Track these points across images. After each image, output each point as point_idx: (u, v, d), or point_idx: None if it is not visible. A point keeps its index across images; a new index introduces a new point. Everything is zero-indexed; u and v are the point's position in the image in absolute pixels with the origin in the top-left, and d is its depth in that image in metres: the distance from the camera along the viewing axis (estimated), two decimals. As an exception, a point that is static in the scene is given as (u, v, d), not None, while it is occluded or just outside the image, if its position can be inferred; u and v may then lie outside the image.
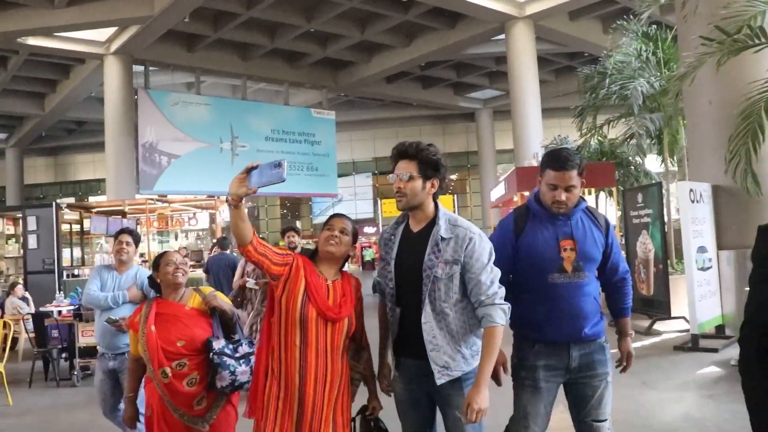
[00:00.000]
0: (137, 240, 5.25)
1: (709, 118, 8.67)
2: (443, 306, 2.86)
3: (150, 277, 3.77)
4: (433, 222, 2.95)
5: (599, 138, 13.95)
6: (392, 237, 3.08)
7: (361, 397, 3.16)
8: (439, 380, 2.85)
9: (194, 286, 3.82)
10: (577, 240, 3.13)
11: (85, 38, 20.71)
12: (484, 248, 2.89)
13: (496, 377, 3.12)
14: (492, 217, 24.80)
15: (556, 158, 3.12)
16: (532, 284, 3.15)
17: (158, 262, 3.69)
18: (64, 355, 8.43)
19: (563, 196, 3.07)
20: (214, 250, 11.12)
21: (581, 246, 3.13)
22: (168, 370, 3.35)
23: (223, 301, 3.65)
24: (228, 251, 10.18)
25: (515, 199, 13.57)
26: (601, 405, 3.17)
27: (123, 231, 5.26)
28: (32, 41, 19.96)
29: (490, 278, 2.86)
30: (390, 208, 33.57)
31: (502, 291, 2.90)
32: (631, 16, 12.14)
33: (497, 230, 3.38)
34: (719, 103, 8.46)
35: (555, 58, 26.56)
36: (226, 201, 2.83)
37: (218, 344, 3.43)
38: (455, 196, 31.98)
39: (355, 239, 3.10)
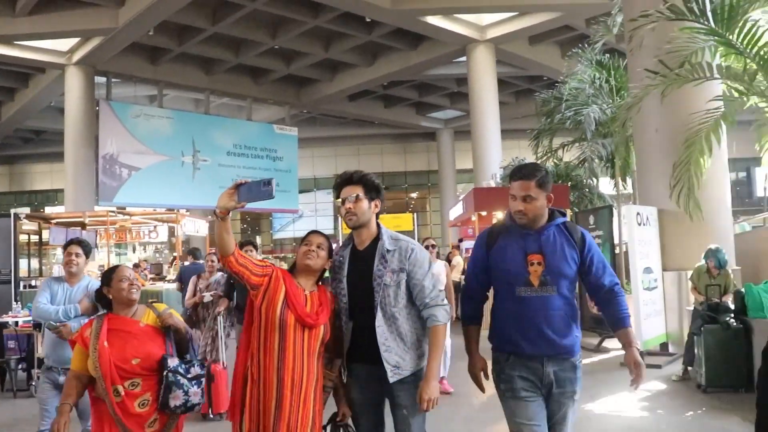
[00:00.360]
0: (87, 251, 5.02)
1: (656, 145, 9.11)
2: (393, 311, 3.21)
3: (98, 291, 3.59)
4: (377, 239, 3.33)
5: (555, 161, 14.37)
6: (341, 258, 3.39)
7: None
8: (392, 378, 3.16)
9: (147, 302, 3.69)
10: (546, 255, 3.17)
11: (47, 48, 20.63)
12: (424, 257, 3.29)
13: (477, 383, 3.38)
14: (450, 235, 25.19)
15: (517, 169, 3.27)
16: (504, 297, 3.27)
17: (110, 276, 3.53)
18: (21, 365, 8.42)
19: (521, 206, 3.17)
20: (188, 259, 11.26)
21: (549, 260, 3.15)
22: (121, 388, 3.23)
23: (178, 319, 3.56)
24: (200, 261, 10.32)
25: (473, 218, 13.89)
26: (565, 422, 3.22)
27: (72, 242, 5.00)
28: (-8, 49, 19.81)
29: (432, 282, 3.25)
30: (350, 225, 33.72)
31: (443, 294, 3.32)
32: (587, 44, 12.58)
33: (474, 244, 3.54)
34: (665, 132, 8.90)
35: (515, 80, 27.18)
36: (214, 213, 3.08)
37: (173, 362, 3.36)
38: (415, 214, 32.31)
39: (330, 254, 3.37)
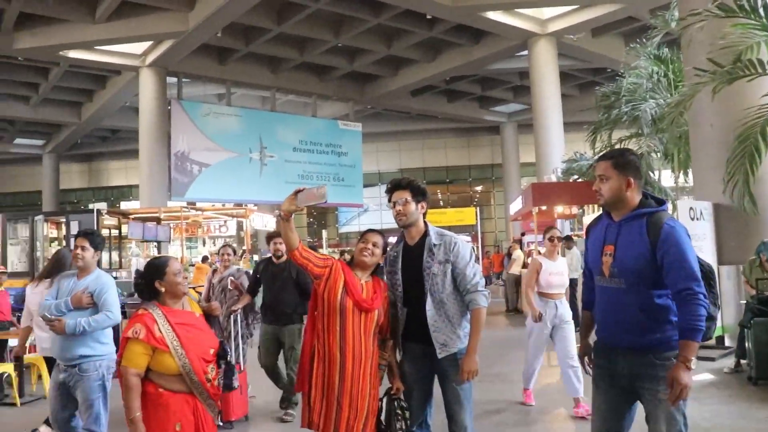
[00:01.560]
0: (96, 244, 4.68)
1: (711, 140, 9.13)
2: (441, 296, 3.75)
3: (143, 284, 3.47)
4: (425, 235, 3.86)
5: (614, 155, 14.35)
6: (396, 253, 3.95)
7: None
8: (440, 354, 3.71)
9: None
10: (618, 246, 3.15)
11: (123, 51, 21.60)
12: (466, 249, 3.80)
13: (581, 366, 3.64)
14: (512, 229, 25.23)
15: (602, 153, 3.54)
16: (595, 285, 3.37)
17: (163, 270, 3.42)
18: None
19: (596, 185, 3.24)
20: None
21: (618, 253, 3.14)
22: (210, 375, 3.37)
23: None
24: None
25: (534, 213, 14.00)
26: (658, 423, 3.08)
27: (80, 234, 4.75)
28: (73, 54, 20.94)
29: (473, 272, 3.77)
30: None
31: (483, 281, 3.85)
32: (645, 39, 12.54)
33: None
34: (720, 127, 8.92)
35: (578, 73, 26.96)
36: (278, 215, 3.69)
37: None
38: (479, 208, 32.38)
39: (384, 251, 3.90)
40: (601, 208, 3.39)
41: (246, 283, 7.02)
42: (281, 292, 6.46)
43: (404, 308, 3.85)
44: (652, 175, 13.95)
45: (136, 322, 3.29)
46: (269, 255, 6.85)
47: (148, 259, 3.98)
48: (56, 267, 5.73)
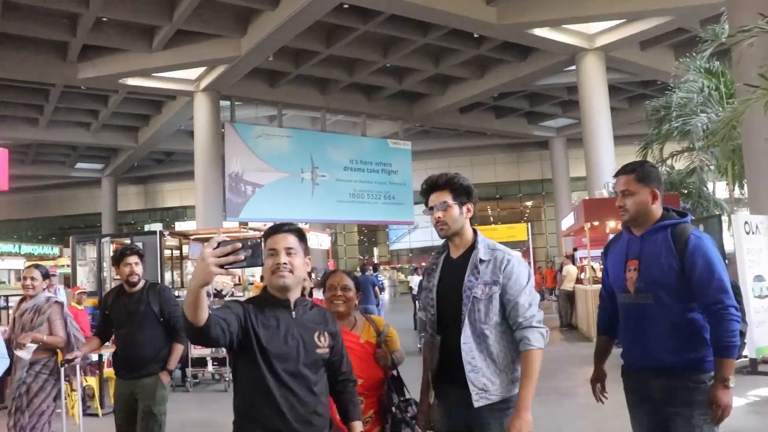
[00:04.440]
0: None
1: (765, 154, 9.09)
2: (483, 327, 2.88)
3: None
4: (472, 247, 3.01)
5: (667, 169, 14.26)
6: (434, 266, 3.16)
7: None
8: (477, 402, 2.83)
9: (366, 315, 3.54)
10: (642, 261, 3.01)
11: (178, 77, 22.29)
12: (521, 271, 2.92)
13: (593, 394, 3.36)
14: (564, 244, 25.08)
15: (621, 167, 3.22)
16: (618, 304, 3.21)
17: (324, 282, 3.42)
18: (178, 365, 9.46)
19: (621, 201, 3.10)
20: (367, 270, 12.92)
21: (644, 267, 2.99)
22: None
23: (401, 353, 3.45)
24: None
25: (586, 228, 13.98)
26: None
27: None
28: (131, 81, 21.70)
29: (528, 300, 2.87)
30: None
31: (541, 315, 2.91)
32: (695, 53, 12.47)
33: None
34: (774, 141, 8.89)
35: (628, 86, 26.75)
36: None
37: (395, 396, 3.27)
38: (530, 223, 32.23)
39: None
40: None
41: (58, 318, 5.29)
42: (137, 332, 4.67)
43: (437, 336, 3.01)
44: (705, 189, 13.83)
45: None
46: (120, 283, 4.95)
47: None
48: None
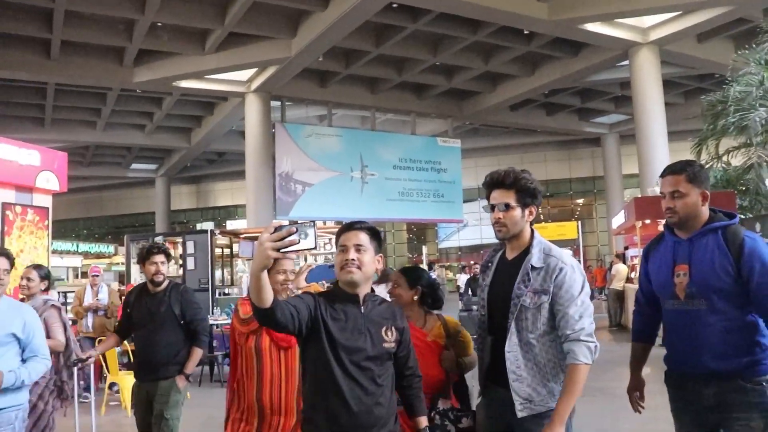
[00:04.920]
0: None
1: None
2: (529, 337, 2.79)
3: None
4: (527, 250, 2.88)
5: (723, 165, 13.89)
6: (489, 264, 3.08)
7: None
8: (520, 413, 2.76)
9: (440, 314, 3.51)
10: (693, 265, 2.88)
11: (230, 78, 22.61)
12: (574, 280, 2.78)
13: (631, 404, 3.26)
14: (615, 243, 24.67)
15: (668, 165, 3.08)
16: (663, 310, 3.08)
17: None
18: (227, 360, 9.66)
19: (669, 203, 2.95)
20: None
21: (696, 271, 2.86)
22: None
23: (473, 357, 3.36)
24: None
25: (637, 227, 13.74)
26: None
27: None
28: (184, 84, 22.12)
29: (578, 312, 2.74)
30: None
31: (591, 327, 2.77)
32: (754, 44, 12.10)
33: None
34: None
35: (684, 80, 26.14)
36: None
37: (444, 404, 3.20)
38: (580, 221, 31.76)
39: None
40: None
41: (56, 322, 5.17)
42: (156, 333, 4.61)
43: (489, 336, 2.94)
44: (763, 186, 13.43)
45: None
46: (144, 281, 4.91)
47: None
48: None
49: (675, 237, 3.01)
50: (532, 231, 2.93)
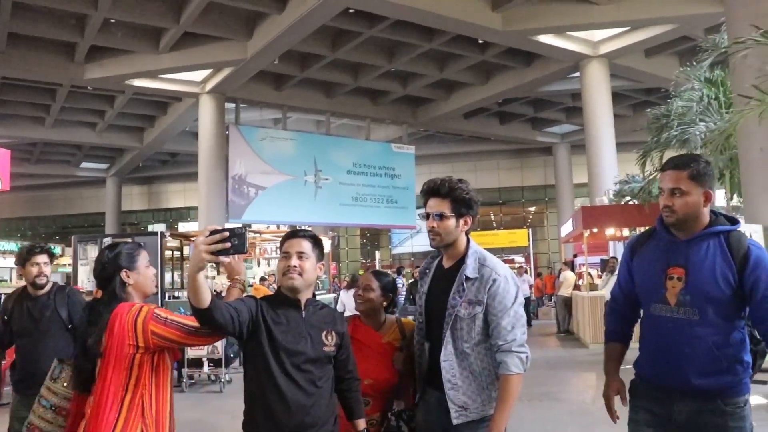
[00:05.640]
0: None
1: (761, 164, 9.14)
2: (464, 346, 2.82)
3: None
4: (463, 260, 2.90)
5: (667, 177, 14.23)
6: (427, 271, 3.11)
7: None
8: (456, 420, 2.80)
9: (397, 316, 3.52)
10: (689, 269, 2.63)
11: (184, 79, 22.43)
12: (507, 291, 2.81)
13: (608, 408, 2.94)
14: (564, 251, 25.18)
15: (670, 159, 2.81)
16: (644, 313, 2.88)
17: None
18: (174, 364, 9.56)
19: (668, 200, 2.67)
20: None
21: (691, 277, 2.62)
22: None
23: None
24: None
25: (585, 235, 14.06)
26: None
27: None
28: (137, 82, 21.85)
29: (511, 323, 2.78)
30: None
31: (523, 338, 2.80)
32: (695, 62, 12.51)
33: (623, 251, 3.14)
34: (770, 151, 8.93)
35: (632, 93, 26.80)
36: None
37: (399, 405, 3.23)
38: (531, 229, 32.26)
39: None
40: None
41: None
42: (40, 341, 4.12)
43: (426, 342, 2.97)
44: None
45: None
46: (23, 286, 4.45)
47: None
48: None
49: (670, 236, 2.75)
50: (468, 240, 2.96)
